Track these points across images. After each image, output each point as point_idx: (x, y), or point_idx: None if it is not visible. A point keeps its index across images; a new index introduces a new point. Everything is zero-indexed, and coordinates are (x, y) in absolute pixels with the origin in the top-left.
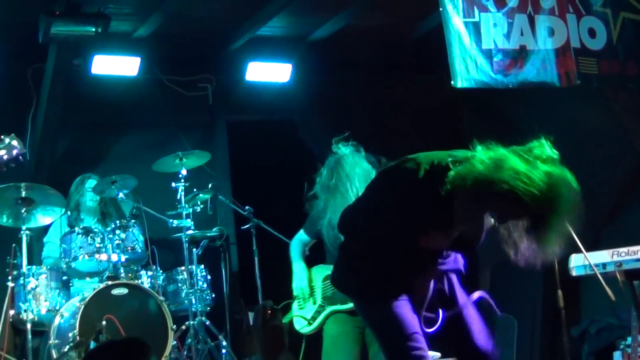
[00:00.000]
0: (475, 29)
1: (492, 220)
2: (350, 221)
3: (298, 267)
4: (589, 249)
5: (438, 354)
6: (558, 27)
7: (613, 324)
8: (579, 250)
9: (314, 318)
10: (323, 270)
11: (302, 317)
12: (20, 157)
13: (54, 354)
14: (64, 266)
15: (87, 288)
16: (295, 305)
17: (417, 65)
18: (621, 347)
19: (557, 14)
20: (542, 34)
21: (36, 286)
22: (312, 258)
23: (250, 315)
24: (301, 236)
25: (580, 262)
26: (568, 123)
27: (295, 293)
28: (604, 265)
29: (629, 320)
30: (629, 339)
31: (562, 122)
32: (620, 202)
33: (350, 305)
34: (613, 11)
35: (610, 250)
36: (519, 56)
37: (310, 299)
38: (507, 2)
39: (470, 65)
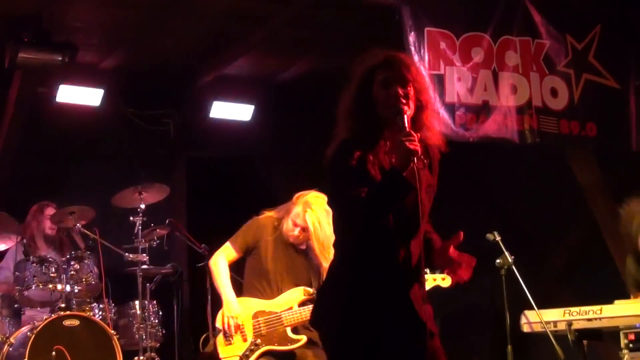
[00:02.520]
0: (440, 82)
1: None
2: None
3: (231, 293)
4: (541, 306)
5: None
6: (521, 84)
7: None
8: (530, 307)
9: (246, 356)
10: (252, 305)
11: (231, 354)
12: None
13: None
14: (17, 294)
15: (39, 317)
16: (221, 338)
17: None
18: None
19: (521, 71)
20: (505, 91)
21: None
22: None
23: None
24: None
25: (532, 319)
26: (525, 179)
27: (227, 322)
28: (555, 323)
29: None
30: None
31: (519, 178)
32: (574, 261)
33: (288, 346)
34: (576, 72)
35: (562, 309)
36: (481, 111)
37: (238, 333)
38: (472, 57)
39: None
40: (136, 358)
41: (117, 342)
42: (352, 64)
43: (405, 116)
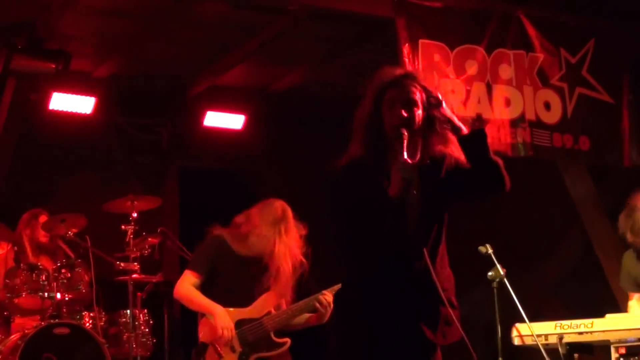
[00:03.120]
0: None
1: None
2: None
3: (217, 305)
4: (532, 319)
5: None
6: (515, 98)
7: None
8: (522, 320)
9: None
10: (232, 315)
11: None
12: None
13: None
14: (7, 301)
15: (29, 325)
16: (212, 351)
17: None
18: None
19: (515, 85)
20: (498, 104)
21: None
22: None
23: None
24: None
25: (523, 332)
26: (518, 192)
27: (224, 334)
28: (546, 336)
29: None
30: None
31: (512, 191)
32: (565, 275)
33: (275, 350)
34: (569, 86)
35: (553, 322)
36: (475, 124)
37: (226, 345)
38: (466, 69)
39: None
40: None
41: (107, 351)
42: (367, 81)
43: (405, 142)
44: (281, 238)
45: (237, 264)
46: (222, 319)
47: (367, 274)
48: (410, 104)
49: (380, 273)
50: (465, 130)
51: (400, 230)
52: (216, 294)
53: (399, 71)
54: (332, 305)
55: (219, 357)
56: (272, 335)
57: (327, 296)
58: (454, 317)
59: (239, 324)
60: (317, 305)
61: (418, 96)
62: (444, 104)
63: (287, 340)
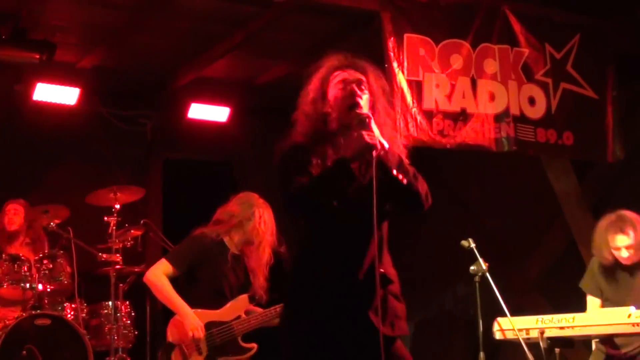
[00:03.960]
0: (418, 89)
1: None
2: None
3: (186, 305)
4: (514, 313)
5: None
6: (499, 92)
7: None
8: (503, 314)
9: None
10: (202, 316)
11: None
12: None
13: None
14: None
15: (10, 316)
16: (178, 352)
17: None
18: None
19: (500, 79)
20: (483, 98)
21: None
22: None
23: None
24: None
25: (505, 326)
26: (501, 187)
27: (194, 335)
28: (527, 330)
29: None
30: None
31: (495, 185)
32: (548, 270)
33: (242, 355)
34: (554, 81)
35: (535, 317)
36: (459, 118)
37: (194, 347)
38: (451, 63)
39: (410, 123)
40: (107, 359)
41: (88, 342)
42: (309, 67)
43: (370, 121)
44: (260, 222)
45: (215, 265)
46: (191, 320)
47: (316, 263)
48: (360, 84)
49: (329, 262)
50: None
51: (349, 217)
52: (189, 294)
53: (343, 55)
54: None
55: (186, 358)
56: (240, 339)
57: None
58: (404, 311)
59: (208, 326)
60: None
61: (367, 80)
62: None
63: (254, 345)
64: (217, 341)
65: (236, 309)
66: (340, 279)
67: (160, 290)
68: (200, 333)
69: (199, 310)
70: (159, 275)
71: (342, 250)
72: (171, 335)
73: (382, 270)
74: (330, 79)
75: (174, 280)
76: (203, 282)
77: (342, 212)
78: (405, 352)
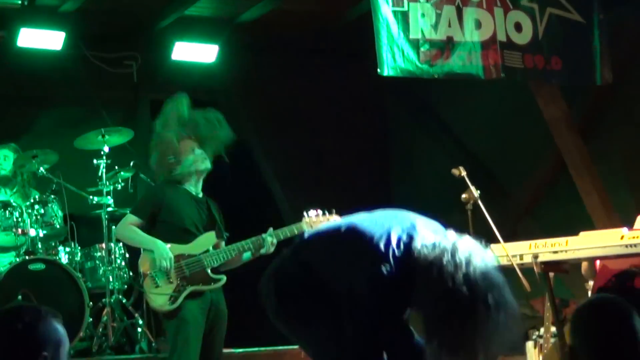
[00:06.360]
0: (404, 19)
1: None
2: None
3: (157, 240)
4: (507, 239)
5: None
6: (485, 20)
7: (526, 314)
8: (496, 241)
9: (175, 297)
10: (171, 249)
11: (161, 294)
12: None
13: None
14: None
15: (3, 262)
16: (149, 281)
17: (343, 52)
18: (534, 337)
19: (485, 7)
20: (469, 26)
21: None
22: None
23: None
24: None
25: (498, 252)
26: (491, 115)
27: (162, 264)
28: (521, 256)
29: (542, 311)
30: (542, 330)
31: (484, 113)
32: (539, 195)
33: (211, 285)
34: (540, 6)
35: (528, 242)
36: (446, 47)
37: (164, 276)
38: None
39: (397, 54)
40: (103, 300)
41: (83, 285)
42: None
43: None
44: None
45: (176, 206)
46: (160, 250)
47: None
48: None
49: None
50: None
51: None
52: (158, 235)
53: None
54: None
55: (156, 287)
56: (209, 271)
57: (273, 239)
58: None
59: (177, 258)
60: (259, 246)
61: None
62: None
63: (223, 276)
64: (187, 272)
65: (205, 244)
66: None
67: (132, 239)
68: (168, 263)
69: (168, 244)
70: (126, 226)
71: None
72: (142, 266)
73: None
74: None
75: (145, 230)
76: (166, 223)
77: None
78: None
